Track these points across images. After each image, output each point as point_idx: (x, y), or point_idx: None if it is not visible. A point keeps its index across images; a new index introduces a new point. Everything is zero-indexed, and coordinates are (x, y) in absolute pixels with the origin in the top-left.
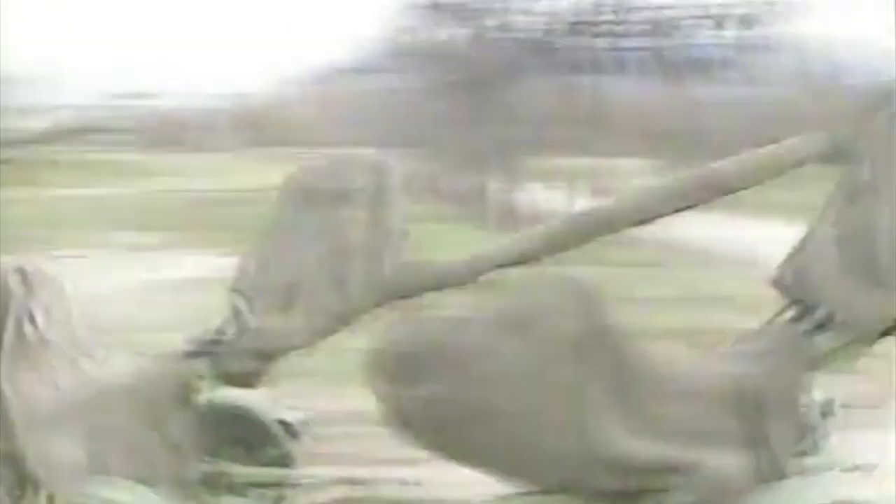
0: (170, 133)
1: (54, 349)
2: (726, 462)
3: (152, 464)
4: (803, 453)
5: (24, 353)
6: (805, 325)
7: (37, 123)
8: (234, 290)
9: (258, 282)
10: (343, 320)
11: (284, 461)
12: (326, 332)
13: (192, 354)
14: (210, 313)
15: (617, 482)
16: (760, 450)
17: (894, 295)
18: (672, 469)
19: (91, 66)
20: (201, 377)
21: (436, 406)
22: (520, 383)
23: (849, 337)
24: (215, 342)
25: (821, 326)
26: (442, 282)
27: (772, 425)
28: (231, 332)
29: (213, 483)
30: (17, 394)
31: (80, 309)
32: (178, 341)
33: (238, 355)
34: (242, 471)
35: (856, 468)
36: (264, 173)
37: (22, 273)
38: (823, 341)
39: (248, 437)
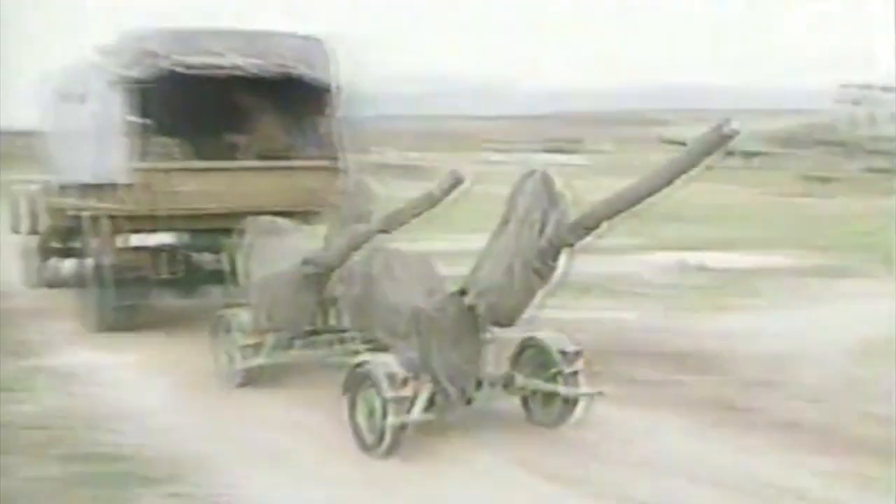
0: None
1: (270, 257)
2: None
3: (289, 315)
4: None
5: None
6: (466, 297)
7: None
8: (323, 240)
9: (329, 236)
10: (346, 255)
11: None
12: (342, 259)
13: (303, 263)
14: None
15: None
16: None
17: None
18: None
19: None
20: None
21: (353, 300)
22: (365, 294)
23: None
24: (308, 261)
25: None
26: (354, 245)
27: (435, 339)
28: (314, 256)
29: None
30: (247, 274)
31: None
32: None
33: (315, 266)
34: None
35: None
36: None
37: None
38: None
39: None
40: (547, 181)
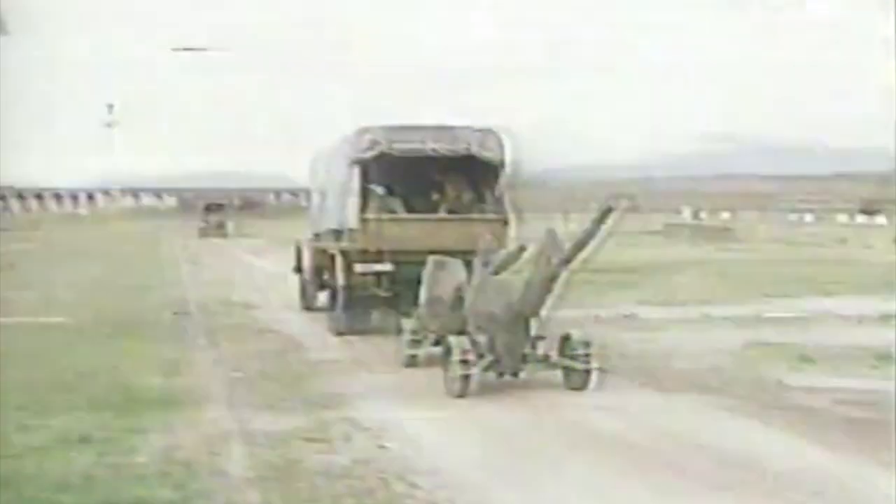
0: None
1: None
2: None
3: (445, 323)
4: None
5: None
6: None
7: None
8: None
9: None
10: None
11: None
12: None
13: (455, 290)
14: None
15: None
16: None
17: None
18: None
19: None
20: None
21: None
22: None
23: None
24: (458, 288)
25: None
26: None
27: (500, 329)
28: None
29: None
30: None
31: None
32: None
33: (462, 292)
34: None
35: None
36: None
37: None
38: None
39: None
40: (553, 234)
